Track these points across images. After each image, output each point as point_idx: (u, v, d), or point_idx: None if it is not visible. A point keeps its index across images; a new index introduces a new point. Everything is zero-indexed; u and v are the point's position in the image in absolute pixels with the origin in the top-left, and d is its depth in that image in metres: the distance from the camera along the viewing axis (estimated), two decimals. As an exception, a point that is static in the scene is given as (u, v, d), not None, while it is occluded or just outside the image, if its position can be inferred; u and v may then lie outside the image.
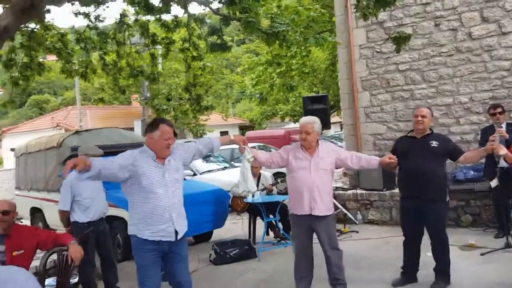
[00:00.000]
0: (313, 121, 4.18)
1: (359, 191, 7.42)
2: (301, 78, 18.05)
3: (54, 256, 3.71)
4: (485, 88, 6.85)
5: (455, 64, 7.04)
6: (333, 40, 7.44)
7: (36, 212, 7.86)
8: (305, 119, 4.27)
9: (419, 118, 4.21)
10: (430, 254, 5.23)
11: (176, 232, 3.29)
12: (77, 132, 7.84)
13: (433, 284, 4.22)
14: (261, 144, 13.75)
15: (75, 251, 3.34)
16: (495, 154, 4.02)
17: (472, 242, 5.50)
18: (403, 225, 4.48)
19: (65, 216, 4.65)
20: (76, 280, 4.13)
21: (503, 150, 3.83)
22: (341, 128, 14.69)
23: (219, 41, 6.93)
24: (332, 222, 4.28)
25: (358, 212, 7.32)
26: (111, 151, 7.49)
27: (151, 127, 3.35)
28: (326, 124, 7.38)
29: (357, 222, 7.22)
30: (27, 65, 7.96)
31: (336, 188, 7.83)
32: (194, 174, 10.20)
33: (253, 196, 6.20)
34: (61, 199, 4.63)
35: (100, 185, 4.83)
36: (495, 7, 6.69)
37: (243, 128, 30.92)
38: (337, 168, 4.83)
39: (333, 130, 32.19)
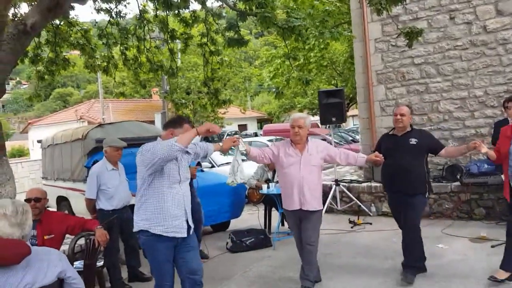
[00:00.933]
0: (305, 116, 4.36)
1: (373, 184, 7.53)
2: (319, 71, 18.07)
3: (81, 241, 3.97)
4: (500, 82, 6.86)
5: (470, 57, 7.05)
6: (349, 34, 7.52)
7: (62, 201, 8.19)
8: (297, 114, 4.44)
9: (398, 117, 4.35)
10: (441, 245, 5.38)
11: (189, 227, 3.36)
12: (100, 125, 8.14)
13: (402, 277, 4.33)
14: (278, 137, 13.83)
15: (101, 235, 3.59)
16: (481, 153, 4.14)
17: (483, 234, 5.58)
18: (394, 218, 4.71)
19: (91, 204, 4.92)
20: (101, 263, 4.38)
21: (484, 148, 3.98)
22: (359, 121, 14.69)
23: (236, 36, 7.10)
24: (320, 218, 4.38)
25: (372, 204, 7.44)
26: (132, 143, 7.85)
27: (174, 123, 3.40)
28: (341, 118, 7.52)
29: (371, 214, 7.34)
30: (52, 60, 8.30)
31: (351, 181, 7.97)
32: (212, 166, 10.43)
33: (268, 187, 6.39)
34: (87, 188, 4.91)
35: (123, 175, 5.09)
36: (510, 0, 6.67)
37: (261, 121, 31.13)
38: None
39: (351, 123, 32.10)
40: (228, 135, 22.68)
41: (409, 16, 7.43)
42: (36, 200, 3.72)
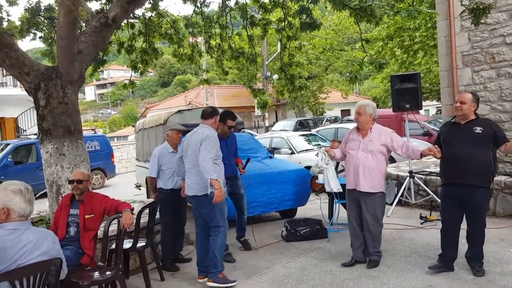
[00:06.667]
0: (367, 104, 4.73)
1: (454, 178, 6.81)
2: (426, 52, 16.70)
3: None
4: None
5: None
6: (430, 11, 6.80)
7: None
8: (360, 102, 4.83)
9: (458, 104, 4.14)
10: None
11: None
12: (179, 111, 8.63)
13: (474, 271, 4.21)
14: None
15: (125, 218, 3.76)
16: None
17: None
18: (441, 212, 4.45)
19: (153, 182, 5.26)
20: (143, 243, 4.61)
21: None
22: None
23: (308, 19, 6.93)
24: (379, 201, 4.62)
25: (452, 200, 6.74)
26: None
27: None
28: (416, 105, 6.92)
29: (449, 211, 6.67)
30: (144, 50, 8.99)
31: (430, 173, 7.31)
32: (292, 153, 10.38)
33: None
34: (150, 167, 5.25)
35: None
36: None
37: (366, 106, 29.75)
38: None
39: (434, 111, 29.70)
40: (327, 120, 22.27)
41: (502, -13, 6.43)
42: (78, 182, 3.98)
